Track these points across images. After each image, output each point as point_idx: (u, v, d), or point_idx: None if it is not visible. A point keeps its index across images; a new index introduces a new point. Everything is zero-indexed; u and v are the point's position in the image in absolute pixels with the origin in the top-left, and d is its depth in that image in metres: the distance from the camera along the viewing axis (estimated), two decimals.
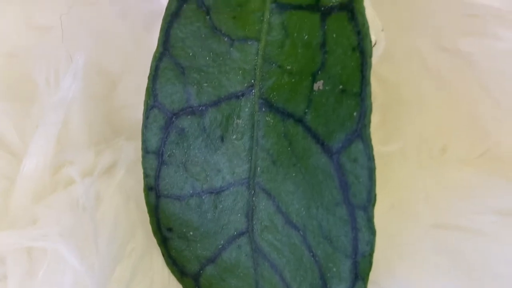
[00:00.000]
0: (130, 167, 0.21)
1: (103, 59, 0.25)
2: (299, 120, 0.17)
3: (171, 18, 0.19)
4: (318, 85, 0.17)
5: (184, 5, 0.19)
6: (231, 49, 0.18)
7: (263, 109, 0.18)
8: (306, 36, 0.17)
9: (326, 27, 0.17)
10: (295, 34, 0.18)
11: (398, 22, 0.32)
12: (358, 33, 0.16)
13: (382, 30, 0.24)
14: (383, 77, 0.30)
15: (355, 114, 0.16)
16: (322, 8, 0.17)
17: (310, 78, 0.17)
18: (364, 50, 0.15)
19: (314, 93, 0.17)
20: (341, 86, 0.16)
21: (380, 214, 0.22)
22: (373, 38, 0.23)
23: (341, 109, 0.16)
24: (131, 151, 0.21)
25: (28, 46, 0.22)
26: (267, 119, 0.18)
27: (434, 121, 0.28)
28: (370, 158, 0.16)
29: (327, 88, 0.17)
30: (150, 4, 0.28)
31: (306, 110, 0.17)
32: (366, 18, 0.16)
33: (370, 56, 0.15)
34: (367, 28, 0.16)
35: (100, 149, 0.21)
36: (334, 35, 0.16)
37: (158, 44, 0.19)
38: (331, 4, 0.17)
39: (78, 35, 0.24)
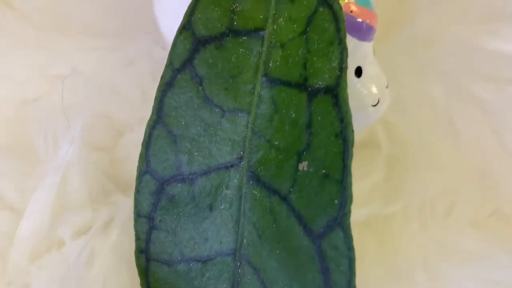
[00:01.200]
0: (125, 224, 0.21)
1: (109, 108, 0.25)
2: (284, 198, 0.17)
3: (165, 87, 0.19)
4: (303, 165, 0.17)
5: (178, 75, 0.19)
6: (222, 120, 0.19)
7: (251, 182, 0.18)
8: (294, 114, 0.17)
9: (312, 108, 0.17)
10: (284, 111, 0.18)
11: (410, 68, 0.31)
12: (341, 120, 0.15)
13: (387, 86, 0.24)
14: (392, 126, 0.29)
15: (336, 201, 0.15)
16: (309, 89, 0.17)
17: (295, 157, 0.17)
18: (346, 139, 0.15)
19: (299, 173, 0.17)
20: (324, 171, 0.16)
21: (377, 279, 0.22)
22: (376, 96, 0.23)
23: (324, 194, 0.16)
24: (127, 207, 0.22)
25: (33, 99, 0.23)
26: (254, 192, 0.18)
27: (442, 176, 0.27)
28: (350, 248, 0.15)
29: (311, 170, 0.16)
30: (157, 51, 0.28)
31: (291, 189, 0.17)
32: (349, 106, 0.15)
33: (352, 146, 0.15)
34: (350, 117, 0.15)
35: (98, 206, 0.22)
36: (319, 118, 0.16)
37: (152, 112, 0.19)
38: (317, 86, 0.17)
39: (83, 84, 0.25)
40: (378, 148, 0.28)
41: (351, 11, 0.21)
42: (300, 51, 0.17)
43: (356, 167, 0.28)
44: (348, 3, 0.21)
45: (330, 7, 0.17)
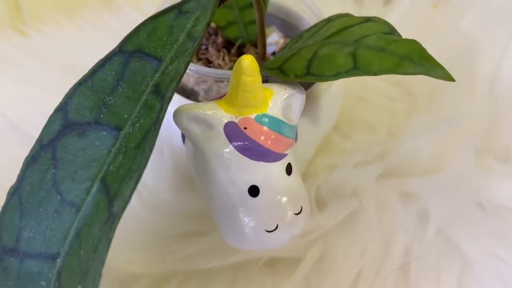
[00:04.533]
0: None
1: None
2: None
3: (30, 160, 0.19)
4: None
5: (42, 153, 0.19)
6: (59, 209, 0.18)
7: (56, 283, 0.17)
8: (97, 230, 0.16)
9: (102, 233, 0.15)
10: (96, 222, 0.16)
11: None
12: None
13: (299, 212, 0.21)
14: None
15: None
16: (110, 210, 0.15)
17: (80, 276, 0.16)
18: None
19: None
20: None
21: None
22: (273, 222, 0.20)
23: None
24: None
25: None
26: None
27: None
28: None
29: None
30: None
31: None
32: (108, 250, 0.14)
33: None
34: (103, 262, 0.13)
35: None
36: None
37: (17, 177, 0.19)
38: (115, 210, 0.15)
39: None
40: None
41: (245, 128, 0.19)
42: (128, 165, 0.16)
43: None
44: (247, 118, 0.19)
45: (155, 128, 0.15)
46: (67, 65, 0.33)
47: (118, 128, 0.18)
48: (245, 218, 0.20)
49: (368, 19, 0.21)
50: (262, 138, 0.19)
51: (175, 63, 0.17)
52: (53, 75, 0.32)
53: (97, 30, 0.36)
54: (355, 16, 0.22)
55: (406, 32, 0.37)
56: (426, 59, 0.18)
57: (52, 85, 0.31)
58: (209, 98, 0.25)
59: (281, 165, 0.20)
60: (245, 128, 0.19)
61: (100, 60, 0.19)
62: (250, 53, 0.28)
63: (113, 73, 0.18)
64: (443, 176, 0.27)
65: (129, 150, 0.17)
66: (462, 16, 0.36)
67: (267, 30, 0.30)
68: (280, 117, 0.20)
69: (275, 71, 0.21)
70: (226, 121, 0.19)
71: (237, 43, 0.28)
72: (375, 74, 0.18)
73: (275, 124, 0.19)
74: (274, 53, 0.29)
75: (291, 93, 0.20)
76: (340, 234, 0.25)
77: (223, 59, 0.27)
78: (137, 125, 0.17)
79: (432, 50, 0.34)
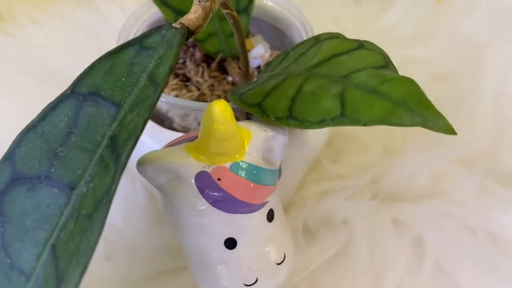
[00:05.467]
0: None
1: None
2: None
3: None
4: None
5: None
6: (10, 274, 0.16)
7: None
8: None
9: None
10: None
11: None
12: None
13: (281, 262, 0.19)
14: None
15: None
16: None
17: None
18: None
19: None
20: None
21: None
22: (252, 275, 0.18)
23: None
24: None
25: None
26: None
27: None
28: None
29: None
30: None
31: None
32: None
33: None
34: None
35: None
36: None
37: None
38: None
39: None
40: None
41: (219, 179, 0.17)
42: (77, 239, 0.14)
43: None
44: (221, 168, 0.17)
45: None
46: (41, 71, 0.31)
47: (71, 186, 0.15)
48: (221, 272, 0.18)
49: (360, 45, 0.19)
50: (239, 190, 0.17)
51: (134, 112, 0.15)
52: (25, 82, 0.29)
53: (72, 27, 0.33)
54: (345, 39, 0.20)
55: (405, 31, 0.34)
56: (424, 105, 0.15)
57: (22, 93, 0.29)
58: (185, 126, 0.23)
59: (260, 213, 0.18)
60: (218, 179, 0.17)
61: (50, 103, 0.17)
62: (233, 68, 0.26)
63: (66, 118, 0.16)
64: (441, 202, 0.25)
65: (80, 218, 0.14)
66: (467, 15, 0.34)
67: (253, 39, 0.27)
68: (260, 163, 0.18)
69: (254, 108, 0.18)
70: (197, 171, 0.17)
71: (218, 58, 0.25)
72: (365, 125, 0.15)
73: (254, 173, 0.17)
74: (259, 67, 0.26)
75: (272, 135, 0.18)
76: (328, 270, 0.23)
77: (202, 75, 0.25)
78: (91, 185, 0.15)
79: (434, 53, 0.31)
